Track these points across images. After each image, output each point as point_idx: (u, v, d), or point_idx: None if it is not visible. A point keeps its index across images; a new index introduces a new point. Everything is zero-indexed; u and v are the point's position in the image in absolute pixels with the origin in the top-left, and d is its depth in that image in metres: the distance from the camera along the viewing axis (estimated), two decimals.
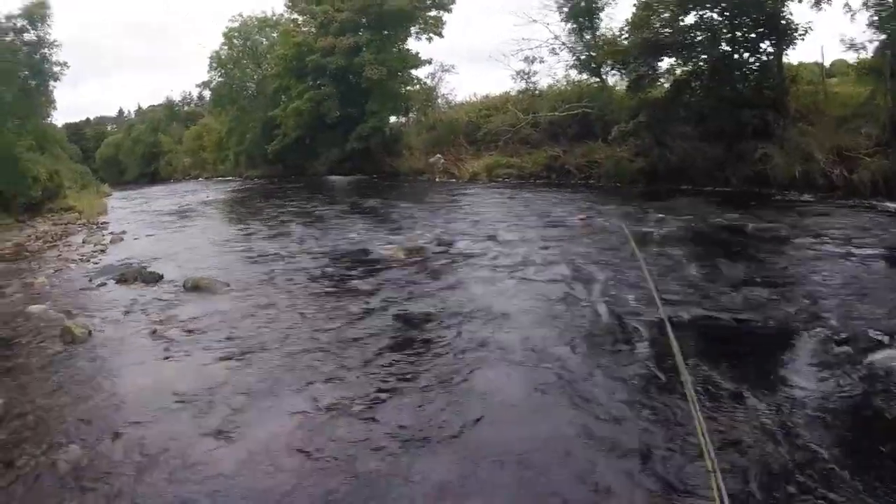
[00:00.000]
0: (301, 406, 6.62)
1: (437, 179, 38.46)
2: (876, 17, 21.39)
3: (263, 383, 7.28)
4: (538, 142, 34.59)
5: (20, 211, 27.36)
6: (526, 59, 36.90)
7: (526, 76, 37.95)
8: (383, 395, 6.80)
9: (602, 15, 33.41)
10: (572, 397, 6.51)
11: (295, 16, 60.10)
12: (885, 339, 7.51)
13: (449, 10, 50.65)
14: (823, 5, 23.04)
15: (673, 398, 6.16)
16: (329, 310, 10.31)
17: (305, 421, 6.30)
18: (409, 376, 7.31)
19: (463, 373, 7.32)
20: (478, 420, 6.14)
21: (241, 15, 69.91)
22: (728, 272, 11.28)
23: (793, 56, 25.30)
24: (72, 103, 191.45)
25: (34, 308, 11.29)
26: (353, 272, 13.02)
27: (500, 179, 33.76)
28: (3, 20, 31.00)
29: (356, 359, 7.90)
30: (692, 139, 24.90)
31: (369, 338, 8.64)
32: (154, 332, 9.48)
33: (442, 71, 50.40)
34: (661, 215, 17.50)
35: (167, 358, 8.36)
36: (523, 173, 33.34)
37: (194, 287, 12.14)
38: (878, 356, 7.04)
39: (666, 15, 25.80)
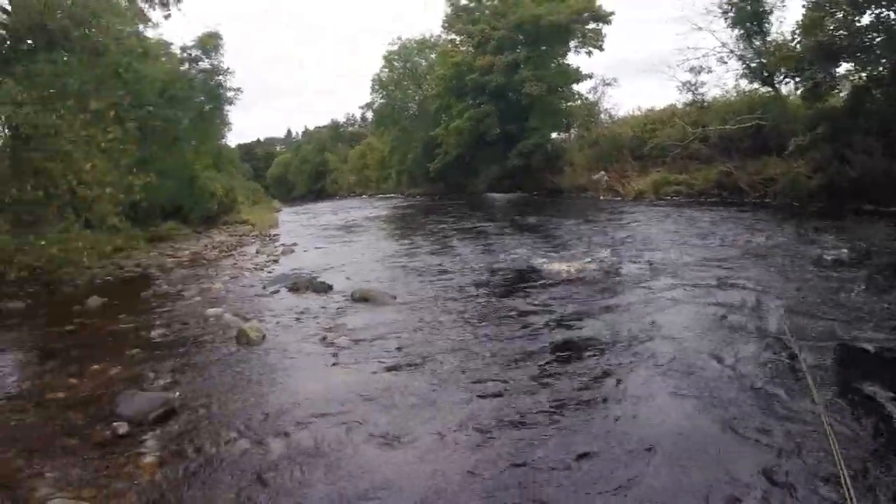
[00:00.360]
0: (465, 417, 6.48)
1: (600, 197, 37.61)
2: None
3: (429, 393, 7.19)
4: (708, 157, 33.08)
5: (198, 223, 28.79)
6: (692, 69, 35.62)
7: (692, 87, 36.74)
8: (547, 411, 6.55)
9: (772, 18, 31.94)
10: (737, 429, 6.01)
11: (452, 36, 60.90)
12: None
13: (608, 22, 49.92)
14: None
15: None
16: (493, 325, 10.11)
17: (469, 432, 6.16)
18: (571, 393, 7.04)
19: (627, 394, 6.97)
20: (644, 447, 5.73)
21: (399, 38, 71.91)
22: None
23: None
24: (244, 125, 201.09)
25: (211, 311, 11.66)
26: (517, 289, 12.75)
27: (668, 197, 32.67)
28: (179, 51, 33.04)
29: (521, 374, 7.69)
30: (876, 153, 23.45)
31: (533, 354, 8.39)
32: (324, 338, 9.57)
33: (603, 85, 49.70)
34: (842, 238, 16.11)
35: (336, 364, 8.42)
36: (692, 191, 32.13)
37: (363, 298, 12.21)
38: None
39: (839, 15, 24.38)
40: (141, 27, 24.87)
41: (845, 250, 14.30)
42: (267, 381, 7.90)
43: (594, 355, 8.30)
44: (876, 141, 23.24)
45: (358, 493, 5.16)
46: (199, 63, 34.46)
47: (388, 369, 8.06)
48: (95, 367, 8.45)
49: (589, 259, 15.34)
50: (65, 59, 15.93)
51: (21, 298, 13.60)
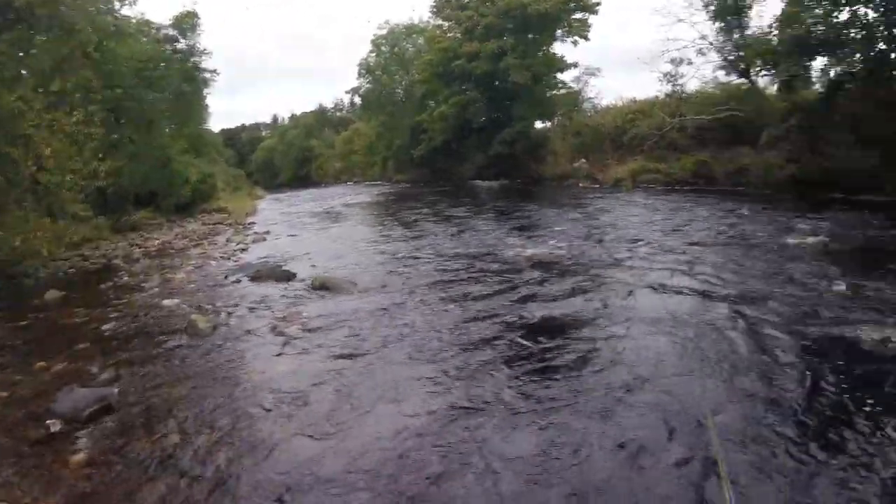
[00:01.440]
0: (410, 408, 6.49)
1: (580, 185, 37.77)
2: None
3: (373, 384, 7.18)
4: (685, 147, 33.45)
5: (172, 210, 28.48)
6: (672, 60, 35.85)
7: (672, 78, 36.93)
8: (503, 399, 6.59)
9: (751, 13, 32.24)
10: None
11: (440, 21, 60.56)
12: None
13: (595, 12, 49.83)
14: None
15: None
16: (454, 312, 10.15)
17: (411, 423, 6.16)
18: (527, 381, 7.06)
19: (582, 380, 7.02)
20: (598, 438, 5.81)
21: (387, 22, 71.32)
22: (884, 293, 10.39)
23: None
24: (229, 110, 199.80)
25: (167, 302, 11.70)
26: (485, 276, 12.76)
27: (645, 185, 32.89)
28: (154, 30, 32.55)
29: (477, 360, 7.74)
30: (847, 144, 23.71)
31: (490, 341, 8.42)
32: (275, 328, 9.57)
33: (587, 74, 49.73)
34: (808, 226, 16.42)
35: (281, 354, 8.42)
36: (669, 179, 32.34)
37: (321, 286, 12.21)
38: None
39: (818, 11, 24.56)
40: (117, 4, 24.52)
41: (810, 237, 14.66)
42: (210, 374, 7.88)
43: (554, 342, 8.36)
44: (848, 133, 23.52)
45: (290, 486, 5.18)
46: (176, 43, 34.04)
47: (336, 358, 8.07)
48: (41, 363, 8.41)
49: (556, 244, 15.50)
50: (28, 36, 15.67)
51: None
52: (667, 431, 5.76)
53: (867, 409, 5.97)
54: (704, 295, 10.32)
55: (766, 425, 5.77)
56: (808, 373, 6.87)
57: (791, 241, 14.56)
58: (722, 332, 8.34)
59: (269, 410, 6.61)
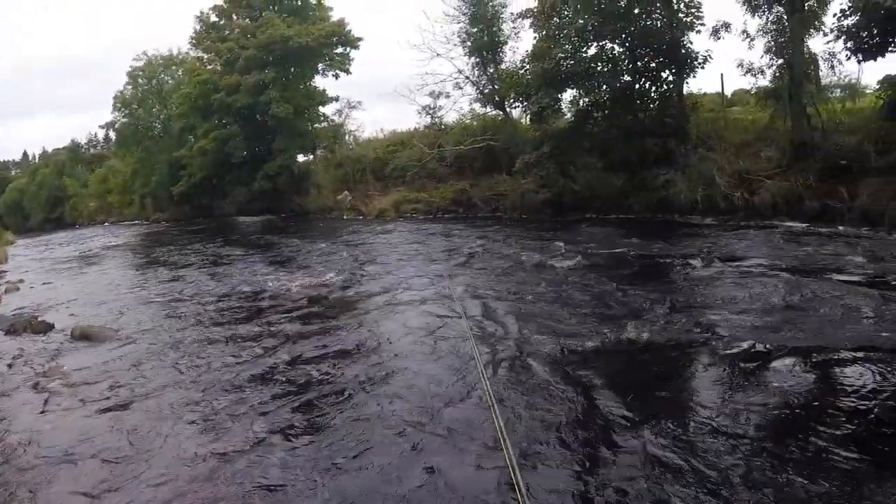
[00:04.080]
0: (179, 457, 6.41)
1: (344, 217, 38.35)
2: (773, 43, 21.91)
3: (141, 435, 7.03)
4: (445, 176, 34.93)
5: None
6: (431, 93, 37.02)
7: (431, 111, 38.04)
8: (268, 442, 6.63)
9: (506, 49, 33.90)
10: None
11: (200, 53, 59.53)
12: (777, 353, 7.95)
13: (356, 47, 50.64)
14: (722, 34, 23.62)
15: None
16: (221, 353, 10.14)
17: (182, 472, 6.09)
18: (296, 418, 7.17)
19: (347, 417, 7.16)
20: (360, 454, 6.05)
21: (145, 53, 69.05)
22: (623, 297, 11.38)
23: (693, 84, 25.86)
24: None
25: None
26: (248, 314, 12.86)
27: (409, 215, 33.83)
28: None
29: (240, 404, 7.75)
30: (596, 169, 25.33)
31: (256, 382, 8.51)
32: (36, 384, 9.14)
33: (349, 108, 50.25)
34: (561, 244, 17.63)
35: (44, 412, 8.04)
36: (431, 208, 33.46)
37: (82, 336, 11.74)
38: (773, 372, 7.43)
39: (567, 46, 26.15)
40: None
41: (576, 257, 15.81)
42: None
43: (325, 373, 8.60)
44: (597, 158, 25.17)
45: None
46: None
47: (102, 411, 7.84)
48: None
49: (322, 277, 15.60)
50: None
51: None
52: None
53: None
54: (463, 314, 10.85)
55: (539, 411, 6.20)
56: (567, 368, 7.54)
57: (542, 258, 15.64)
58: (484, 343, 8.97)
59: (37, 472, 6.33)
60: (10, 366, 10.39)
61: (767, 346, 8.14)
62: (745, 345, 8.26)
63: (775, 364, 7.64)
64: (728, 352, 8.13)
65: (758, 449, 5.72)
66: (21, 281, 21.77)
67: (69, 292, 18.24)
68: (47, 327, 12.84)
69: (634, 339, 8.88)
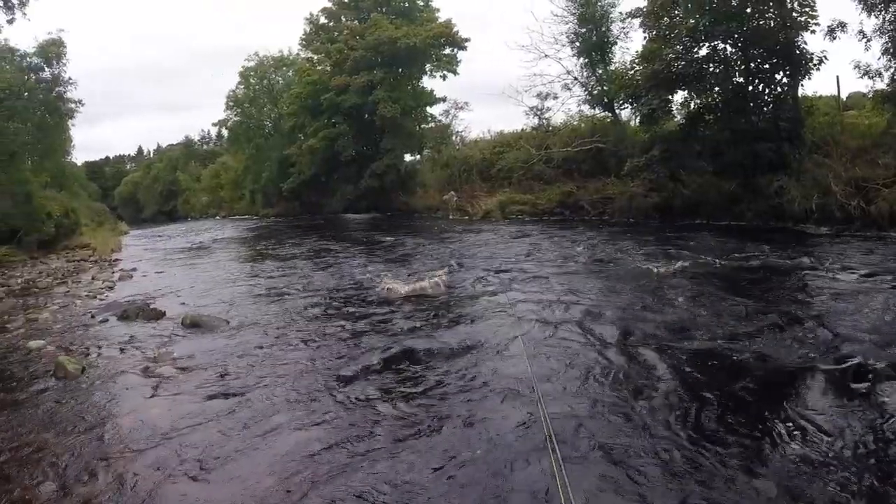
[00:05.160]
0: (281, 449, 6.35)
1: (450, 217, 38.49)
2: (891, 44, 21.11)
3: (249, 423, 7.01)
4: (552, 178, 34.61)
5: (35, 247, 27.37)
6: (539, 95, 36.90)
7: (539, 112, 37.94)
8: (373, 439, 6.49)
9: (615, 49, 33.56)
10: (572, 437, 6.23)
11: (310, 54, 60.58)
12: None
13: (464, 48, 50.91)
14: (838, 34, 22.77)
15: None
16: (328, 347, 10.09)
17: (287, 464, 6.02)
18: (403, 416, 7.04)
19: (456, 414, 7.03)
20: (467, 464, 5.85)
21: (257, 54, 70.84)
22: (736, 307, 10.99)
23: (808, 87, 25.15)
24: (93, 142, 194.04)
25: (33, 343, 11.13)
26: (356, 310, 12.78)
27: (514, 216, 33.72)
28: (18, 59, 31.36)
29: (351, 396, 7.66)
30: (707, 173, 24.77)
31: (362, 379, 8.36)
32: (147, 368, 9.27)
33: (456, 108, 50.55)
34: (671, 251, 17.19)
35: (154, 396, 8.13)
36: (536, 210, 33.30)
37: (193, 324, 11.93)
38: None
39: (678, 47, 25.67)
40: None
41: (687, 264, 15.30)
42: (82, 417, 7.54)
43: (430, 373, 8.40)
44: (708, 163, 24.55)
45: None
46: (41, 73, 32.80)
47: (210, 398, 7.84)
48: None
49: (429, 276, 15.51)
50: None
51: None
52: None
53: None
54: (575, 320, 10.63)
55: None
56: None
57: (652, 266, 15.25)
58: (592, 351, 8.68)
59: (145, 454, 6.36)
60: (122, 350, 10.55)
61: (885, 364, 7.71)
62: (861, 362, 7.81)
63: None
64: (843, 369, 7.66)
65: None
66: (134, 269, 22.40)
67: (180, 282, 18.65)
68: (159, 314, 13.04)
69: (745, 350, 8.55)
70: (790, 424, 6.21)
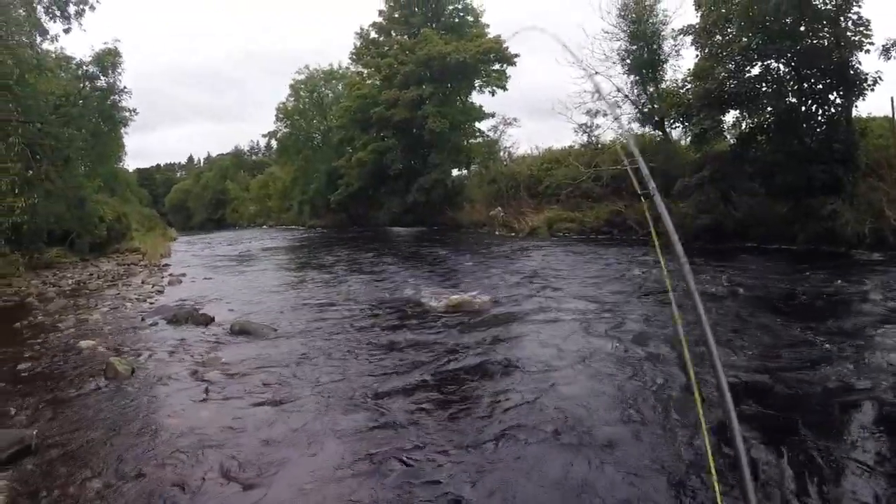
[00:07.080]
0: (329, 458, 6.36)
1: (496, 233, 38.41)
2: None
3: (297, 429, 7.04)
4: (600, 196, 34.32)
5: (86, 250, 27.87)
6: (588, 112, 36.77)
7: (588, 129, 37.80)
8: (419, 452, 6.45)
9: (667, 67, 33.33)
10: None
11: (360, 68, 61.06)
12: None
13: (513, 64, 50.97)
14: (893, 53, 22.15)
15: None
16: (373, 358, 10.10)
17: (332, 473, 6.02)
18: (446, 432, 6.97)
19: (498, 432, 6.92)
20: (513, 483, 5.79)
21: (307, 67, 71.58)
22: (787, 334, 10.80)
23: (862, 108, 24.66)
24: (144, 149, 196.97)
25: (84, 343, 11.30)
26: (401, 323, 12.78)
27: (560, 234, 33.59)
28: (74, 66, 31.99)
29: (395, 409, 7.64)
30: (758, 195, 24.46)
31: (406, 391, 8.32)
32: (195, 372, 9.35)
33: (504, 124, 50.52)
34: (722, 275, 16.97)
35: (204, 399, 8.18)
36: (584, 228, 33.15)
37: (241, 330, 12.05)
38: None
39: (730, 66, 25.38)
40: (38, 39, 24.12)
41: (738, 288, 15.12)
42: (130, 418, 7.60)
43: (475, 388, 8.38)
44: (759, 185, 24.24)
45: None
46: (96, 81, 33.49)
47: (258, 405, 7.87)
48: None
49: (474, 292, 15.46)
50: None
51: None
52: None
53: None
54: (628, 341, 10.51)
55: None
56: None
57: (702, 287, 14.98)
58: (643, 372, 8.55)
59: (192, 456, 6.39)
60: (171, 353, 10.68)
61: None
62: None
63: None
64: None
65: None
66: (183, 275, 22.74)
67: (228, 288, 18.87)
68: (208, 320, 13.20)
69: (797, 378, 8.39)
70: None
